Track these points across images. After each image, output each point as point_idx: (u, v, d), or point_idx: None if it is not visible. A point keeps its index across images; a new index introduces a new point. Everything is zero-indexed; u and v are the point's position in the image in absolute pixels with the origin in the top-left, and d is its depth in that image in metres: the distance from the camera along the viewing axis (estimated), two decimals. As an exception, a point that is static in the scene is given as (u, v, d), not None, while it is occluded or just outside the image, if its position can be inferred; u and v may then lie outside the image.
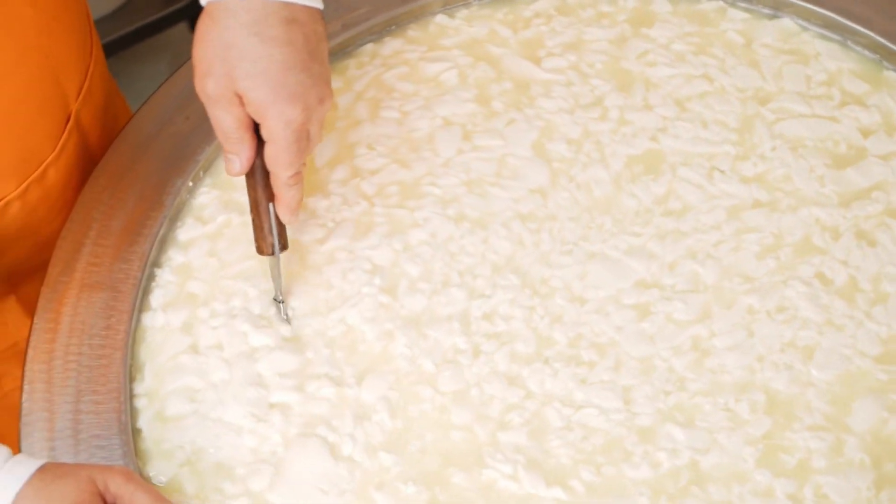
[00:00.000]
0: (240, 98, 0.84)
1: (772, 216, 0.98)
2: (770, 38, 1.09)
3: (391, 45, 1.11)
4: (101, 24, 1.80)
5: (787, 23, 1.09)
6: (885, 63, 1.07)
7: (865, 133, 1.03)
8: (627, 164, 1.01)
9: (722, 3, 1.11)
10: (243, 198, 0.97)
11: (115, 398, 0.89)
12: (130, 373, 0.92)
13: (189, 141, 1.02)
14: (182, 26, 1.97)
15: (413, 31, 1.12)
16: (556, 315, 0.94)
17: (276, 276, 0.93)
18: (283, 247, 0.92)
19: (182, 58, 1.80)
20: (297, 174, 0.88)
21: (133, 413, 0.90)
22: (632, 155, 1.02)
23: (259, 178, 0.89)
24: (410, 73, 1.08)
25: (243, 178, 0.91)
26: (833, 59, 1.07)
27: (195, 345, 0.93)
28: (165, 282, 0.97)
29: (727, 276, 0.95)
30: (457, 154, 1.02)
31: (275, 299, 0.94)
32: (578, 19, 1.11)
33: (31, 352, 0.90)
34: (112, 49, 1.82)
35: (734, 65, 1.07)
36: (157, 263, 0.98)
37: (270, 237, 0.92)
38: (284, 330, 0.93)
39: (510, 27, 1.11)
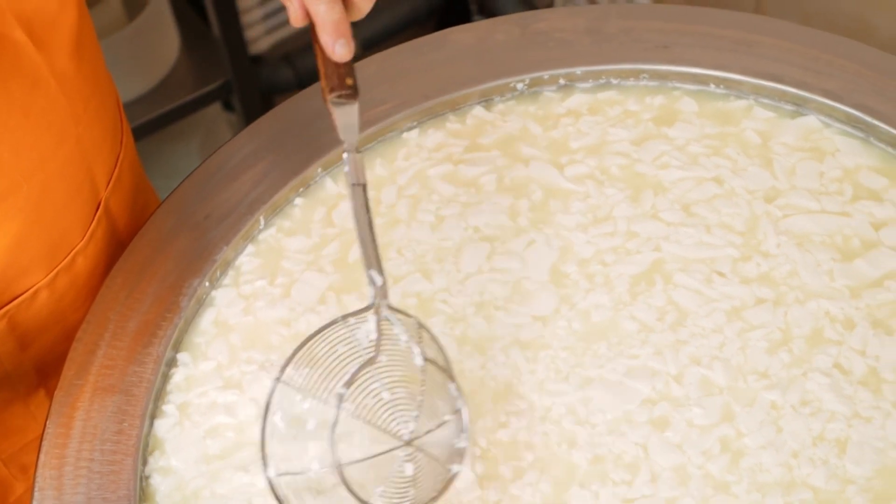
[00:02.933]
0: None
1: (777, 311, 0.98)
2: (790, 136, 1.09)
3: (434, 136, 1.12)
4: (134, 105, 1.83)
5: (811, 120, 1.09)
6: None
7: (878, 226, 1.02)
8: (630, 285, 1.01)
9: (750, 101, 1.12)
10: (259, 301, 0.99)
11: (126, 506, 0.89)
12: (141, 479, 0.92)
13: (207, 240, 1.03)
14: (215, 106, 1.99)
15: (452, 124, 1.13)
16: (571, 440, 0.93)
17: (346, 123, 0.87)
18: (350, 89, 0.86)
19: (214, 137, 1.81)
20: None
21: (144, 520, 0.90)
22: (635, 274, 1.01)
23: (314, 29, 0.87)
24: (452, 173, 1.09)
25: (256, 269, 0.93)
26: (851, 156, 1.07)
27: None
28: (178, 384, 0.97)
29: (740, 375, 0.94)
30: (477, 272, 1.03)
31: (350, 151, 0.88)
32: (605, 118, 1.12)
33: (42, 457, 0.90)
34: (145, 130, 1.84)
35: (746, 165, 1.07)
36: (173, 364, 0.98)
37: (327, 79, 0.86)
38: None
39: (540, 124, 1.12)
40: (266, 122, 1.12)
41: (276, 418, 0.83)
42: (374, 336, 0.84)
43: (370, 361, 0.83)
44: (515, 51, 1.15)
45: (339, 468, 0.80)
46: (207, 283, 1.01)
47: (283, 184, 1.07)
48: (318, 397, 0.84)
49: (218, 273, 1.03)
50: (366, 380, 0.84)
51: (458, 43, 1.17)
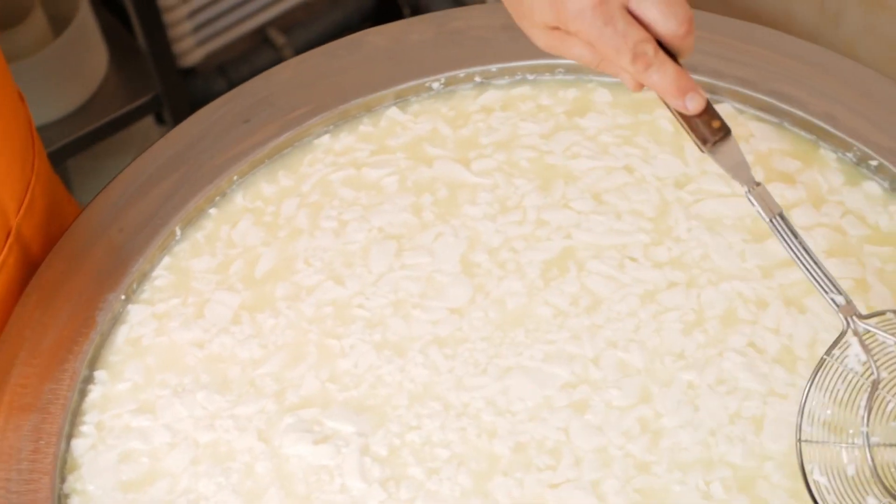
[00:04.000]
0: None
1: (689, 293, 0.98)
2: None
3: (345, 140, 1.12)
4: (65, 122, 1.82)
5: (725, 107, 1.10)
6: (822, 143, 1.07)
7: (789, 207, 1.03)
8: (542, 271, 1.01)
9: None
10: (173, 321, 1.00)
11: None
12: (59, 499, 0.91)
13: (122, 254, 1.03)
14: (148, 120, 1.99)
15: (365, 126, 1.13)
16: (491, 431, 0.93)
17: (733, 164, 0.86)
18: (721, 131, 0.85)
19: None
20: (638, 57, 0.83)
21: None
22: (546, 260, 1.02)
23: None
24: (355, 177, 1.09)
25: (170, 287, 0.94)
26: (765, 141, 1.07)
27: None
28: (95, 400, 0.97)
29: (657, 356, 0.95)
30: (388, 271, 1.03)
31: (750, 188, 0.86)
32: (517, 113, 1.12)
33: (-43, 481, 0.89)
34: (77, 147, 1.83)
35: (657, 153, 1.07)
36: (90, 380, 0.97)
37: (694, 133, 0.86)
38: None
39: (451, 124, 1.12)
40: (180, 133, 1.12)
41: (815, 476, 0.84)
42: (863, 357, 0.83)
43: (875, 385, 0.82)
44: (431, 50, 1.15)
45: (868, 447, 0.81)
46: (123, 297, 1.01)
47: (196, 194, 1.07)
48: (846, 443, 0.83)
49: (134, 286, 1.02)
50: (882, 404, 0.82)
51: (372, 45, 1.17)
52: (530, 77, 1.14)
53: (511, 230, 1.03)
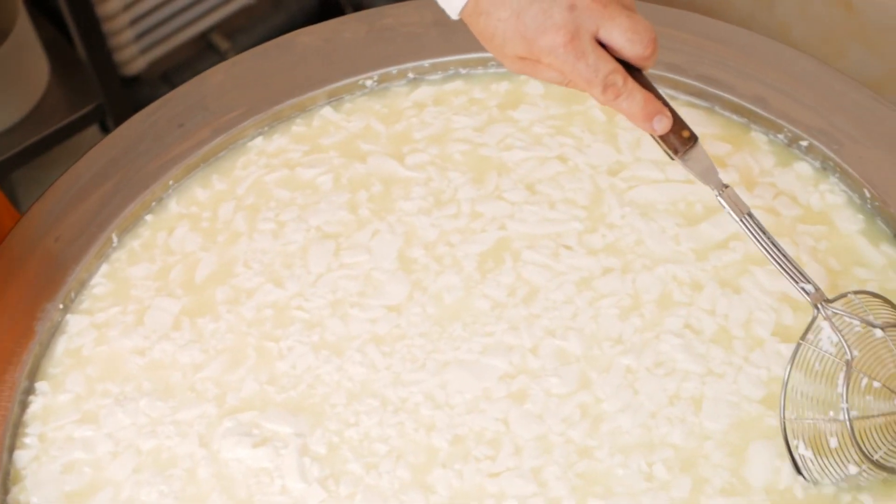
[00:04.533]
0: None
1: (625, 279, 0.99)
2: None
3: (278, 141, 1.12)
4: (6, 136, 1.80)
5: None
6: (753, 125, 1.08)
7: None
8: (479, 263, 1.01)
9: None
10: (113, 329, 0.99)
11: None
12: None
13: (59, 263, 1.02)
14: (94, 130, 1.97)
15: (298, 127, 1.13)
16: (429, 425, 0.93)
17: (702, 169, 0.90)
18: (690, 140, 0.89)
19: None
20: (608, 88, 0.86)
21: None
22: (482, 252, 1.02)
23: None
24: (289, 177, 1.09)
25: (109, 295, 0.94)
26: (697, 126, 1.08)
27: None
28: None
29: (595, 342, 0.96)
30: (328, 267, 1.03)
31: (720, 192, 0.90)
32: (450, 107, 1.12)
33: None
34: (22, 159, 1.82)
35: (591, 142, 1.08)
36: (31, 392, 0.97)
37: (665, 143, 0.89)
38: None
39: (384, 121, 1.12)
40: (114, 140, 1.11)
41: (801, 451, 0.88)
42: (835, 339, 0.87)
43: (849, 364, 0.85)
44: (363, 48, 1.15)
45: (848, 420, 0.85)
46: (62, 306, 1.00)
47: (131, 200, 1.06)
48: (827, 418, 0.86)
49: (72, 295, 1.02)
50: (857, 380, 0.86)
51: (305, 45, 1.17)
52: (463, 71, 1.15)
53: (446, 224, 1.04)
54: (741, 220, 0.90)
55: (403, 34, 1.16)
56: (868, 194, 1.02)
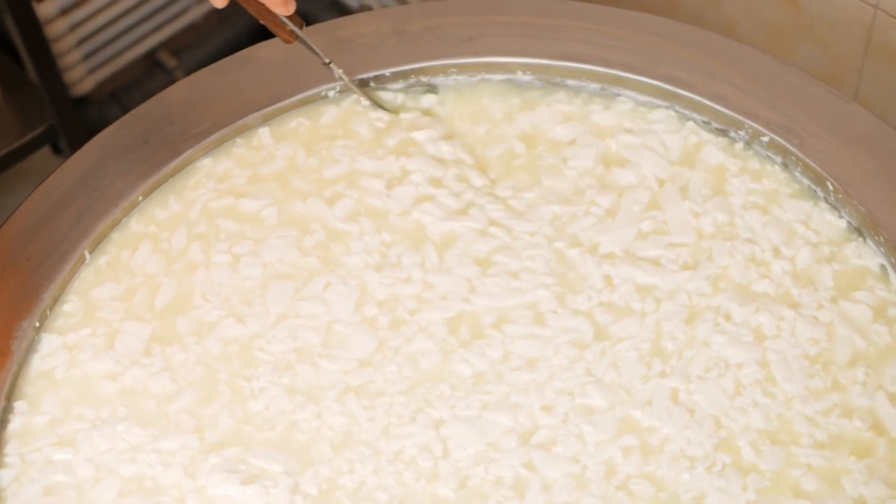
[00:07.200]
0: None
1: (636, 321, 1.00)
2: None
3: (224, 164, 1.12)
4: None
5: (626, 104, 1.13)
6: (715, 123, 1.11)
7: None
8: (449, 329, 1.01)
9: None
10: (84, 352, 0.99)
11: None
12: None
13: (32, 282, 1.02)
14: (45, 152, 1.97)
15: (239, 149, 1.13)
16: (431, 475, 0.93)
17: (312, 49, 1.10)
18: (300, 25, 1.08)
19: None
20: None
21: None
22: (447, 318, 1.01)
23: None
24: (234, 207, 1.09)
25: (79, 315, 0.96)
26: (656, 124, 1.12)
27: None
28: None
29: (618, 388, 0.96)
30: (286, 311, 1.02)
31: (325, 64, 1.11)
32: (359, 142, 1.12)
33: None
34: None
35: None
36: (9, 410, 0.97)
37: (284, 27, 1.07)
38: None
39: (307, 149, 1.12)
40: (78, 161, 1.11)
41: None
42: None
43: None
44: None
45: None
46: (38, 324, 1.01)
47: (101, 218, 1.07)
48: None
49: (48, 312, 1.02)
50: None
51: (264, 59, 1.17)
52: (424, 79, 1.16)
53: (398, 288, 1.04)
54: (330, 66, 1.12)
55: (361, 44, 1.17)
56: (831, 187, 1.04)
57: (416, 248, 1.05)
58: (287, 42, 1.09)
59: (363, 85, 1.15)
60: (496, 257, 1.04)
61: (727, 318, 0.99)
